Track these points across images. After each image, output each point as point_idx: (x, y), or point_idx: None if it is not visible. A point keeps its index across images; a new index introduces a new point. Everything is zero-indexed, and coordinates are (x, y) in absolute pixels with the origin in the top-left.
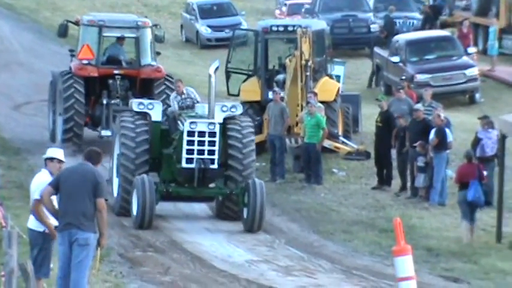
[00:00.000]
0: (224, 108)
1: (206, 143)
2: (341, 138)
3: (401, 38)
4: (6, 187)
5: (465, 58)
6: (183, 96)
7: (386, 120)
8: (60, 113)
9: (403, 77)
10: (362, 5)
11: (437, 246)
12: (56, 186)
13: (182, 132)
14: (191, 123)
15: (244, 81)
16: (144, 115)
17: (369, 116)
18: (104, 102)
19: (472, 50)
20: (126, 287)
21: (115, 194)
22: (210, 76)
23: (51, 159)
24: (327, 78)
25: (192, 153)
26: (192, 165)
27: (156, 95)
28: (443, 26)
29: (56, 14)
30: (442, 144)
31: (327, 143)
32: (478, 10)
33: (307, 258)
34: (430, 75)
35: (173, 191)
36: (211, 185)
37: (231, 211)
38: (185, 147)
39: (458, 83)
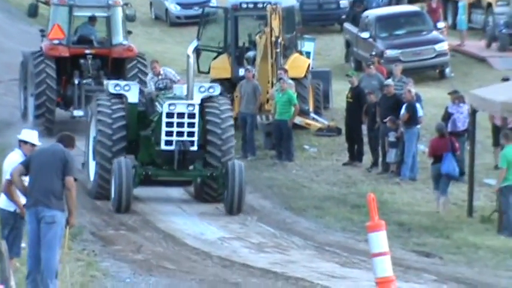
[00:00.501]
0: (202, 89)
1: (185, 125)
2: (312, 114)
3: (371, 13)
4: None
5: (435, 33)
6: (160, 77)
7: (356, 96)
8: (32, 93)
9: (373, 53)
10: None
11: (409, 221)
12: (27, 166)
13: (161, 114)
14: (170, 104)
15: (215, 58)
16: (120, 97)
17: (340, 92)
18: (76, 82)
19: (441, 24)
20: (98, 266)
21: (91, 178)
22: (188, 56)
23: (25, 142)
24: (297, 54)
25: (172, 135)
26: (172, 147)
27: (127, 74)
28: (413, 1)
29: None
30: (413, 119)
31: (298, 120)
32: None
33: (280, 235)
34: (400, 51)
35: (152, 174)
36: (191, 167)
37: (210, 193)
38: (164, 129)
39: (428, 58)
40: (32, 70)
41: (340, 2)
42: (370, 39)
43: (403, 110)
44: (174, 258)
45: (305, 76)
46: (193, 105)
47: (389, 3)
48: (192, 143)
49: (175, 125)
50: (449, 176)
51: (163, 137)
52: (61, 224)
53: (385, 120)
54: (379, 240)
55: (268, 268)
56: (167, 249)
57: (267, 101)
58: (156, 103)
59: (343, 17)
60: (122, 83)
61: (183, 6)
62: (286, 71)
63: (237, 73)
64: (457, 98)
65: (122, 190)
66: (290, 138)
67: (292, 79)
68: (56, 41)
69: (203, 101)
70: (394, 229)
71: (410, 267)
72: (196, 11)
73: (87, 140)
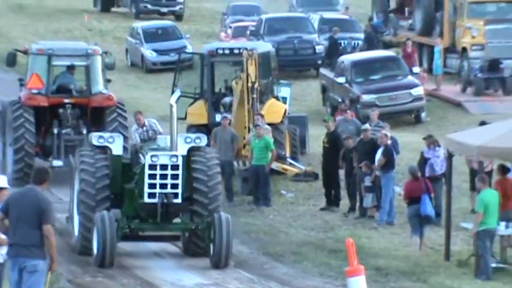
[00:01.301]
0: (188, 140)
1: (169, 177)
2: (289, 159)
3: (347, 58)
4: None
5: (410, 78)
6: (144, 128)
7: (333, 141)
8: (10, 143)
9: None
10: (307, 26)
11: (386, 265)
12: (6, 211)
13: (143, 166)
14: (152, 156)
15: (191, 104)
16: (104, 149)
17: (316, 137)
18: (55, 131)
19: (416, 69)
20: None
21: (76, 233)
22: (171, 106)
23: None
24: (273, 100)
25: (155, 188)
26: (155, 200)
27: (107, 123)
28: (388, 46)
29: None
30: (389, 163)
31: (275, 165)
32: (422, 30)
33: (257, 280)
34: (375, 96)
35: (135, 227)
36: (176, 220)
37: (198, 247)
38: (147, 181)
39: (404, 102)
40: (10, 119)
41: (316, 47)
42: (346, 84)
43: (379, 155)
44: None
45: (281, 121)
46: (176, 156)
47: (363, 48)
48: (175, 195)
49: (158, 177)
50: (427, 217)
51: (146, 190)
52: (43, 272)
53: (360, 165)
54: (358, 285)
55: None
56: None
57: (244, 146)
58: (140, 155)
59: (319, 62)
60: (106, 134)
61: (159, 52)
62: (262, 116)
63: (213, 119)
64: (432, 142)
65: (106, 245)
66: (267, 184)
67: (269, 124)
68: (35, 91)
69: (189, 151)
70: (372, 274)
71: None
72: (172, 57)
73: (71, 194)
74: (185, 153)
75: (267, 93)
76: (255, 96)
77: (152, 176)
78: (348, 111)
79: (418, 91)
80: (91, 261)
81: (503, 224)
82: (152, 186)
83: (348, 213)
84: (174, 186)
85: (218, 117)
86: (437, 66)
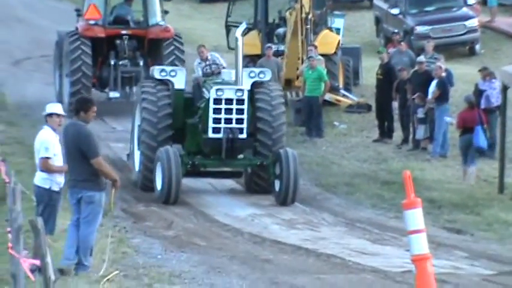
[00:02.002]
0: (252, 74)
1: (234, 111)
2: (342, 91)
3: None
4: (8, 143)
5: (465, 9)
6: (207, 62)
7: (387, 73)
8: (67, 74)
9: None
10: None
11: (439, 198)
12: None
13: (208, 100)
14: (217, 90)
15: (245, 34)
16: (166, 83)
17: (370, 68)
18: (112, 63)
19: (471, 1)
20: (129, 242)
21: (137, 169)
22: (236, 39)
23: (50, 114)
24: (327, 31)
25: (219, 122)
26: (220, 135)
27: (164, 56)
28: None
29: None
30: (444, 96)
31: (328, 96)
32: None
33: (310, 211)
34: (429, 27)
35: (199, 163)
36: (240, 156)
37: (262, 184)
38: (211, 115)
39: (458, 34)
40: (67, 50)
41: None
42: (400, 16)
43: (433, 87)
44: (205, 234)
45: (335, 52)
46: (242, 90)
47: None
48: (241, 130)
49: (223, 111)
50: (480, 149)
51: (211, 124)
52: (99, 202)
53: (413, 97)
54: (416, 217)
55: (299, 245)
56: (198, 225)
57: (297, 77)
58: (204, 89)
59: None
60: (168, 68)
61: None
62: (316, 47)
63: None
64: (488, 74)
65: (172, 181)
66: (320, 115)
67: (322, 55)
68: (92, 21)
69: (253, 86)
70: (425, 206)
71: (441, 244)
72: None
73: (132, 128)
74: (249, 87)
75: (320, 24)
76: (308, 26)
77: (217, 111)
78: (402, 42)
79: (473, 23)
80: (146, 192)
81: None
82: (217, 120)
83: (401, 145)
84: (240, 121)
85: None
86: None
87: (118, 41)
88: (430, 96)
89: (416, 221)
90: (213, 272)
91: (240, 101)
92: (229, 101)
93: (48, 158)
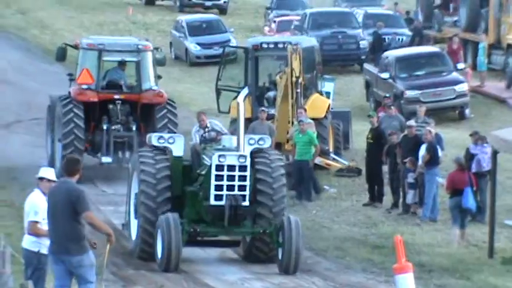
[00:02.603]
0: (251, 141)
1: (236, 178)
2: (332, 155)
3: (391, 54)
4: None
5: (455, 74)
6: (206, 129)
7: (377, 137)
8: (59, 138)
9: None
10: (351, 21)
11: (429, 262)
12: None
13: (210, 167)
14: (220, 156)
15: (235, 98)
16: (164, 150)
17: (360, 132)
18: (104, 127)
19: (461, 65)
20: None
21: (133, 237)
22: (238, 104)
23: (41, 178)
24: (317, 94)
25: (222, 189)
26: (222, 202)
27: (157, 120)
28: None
29: (44, 32)
30: (434, 160)
31: (318, 160)
32: (467, 26)
33: (300, 275)
34: (419, 91)
35: (201, 231)
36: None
37: (262, 252)
38: (213, 182)
39: (448, 98)
40: (59, 115)
41: (360, 42)
42: (390, 80)
43: (423, 151)
44: None
45: (325, 116)
46: (244, 156)
47: (411, 43)
48: (243, 197)
49: (225, 178)
50: (468, 211)
51: (213, 191)
52: (90, 262)
53: (405, 161)
54: (407, 282)
55: None
56: (164, 272)
57: (287, 141)
58: (204, 156)
59: (363, 57)
60: (166, 135)
61: (203, 46)
62: (305, 110)
63: (257, 113)
64: (480, 138)
65: (171, 248)
66: (311, 179)
67: (313, 119)
68: (85, 86)
69: (252, 154)
70: (415, 270)
71: None
72: (216, 50)
73: (128, 198)
74: (248, 154)
75: (310, 88)
76: (298, 90)
77: (219, 177)
78: (392, 107)
79: (463, 87)
80: (133, 253)
81: None
82: (219, 187)
83: (391, 209)
84: (242, 188)
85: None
86: (481, 63)
87: (111, 106)
88: (420, 160)
89: (407, 285)
90: None
91: (242, 168)
92: (231, 168)
93: (36, 222)
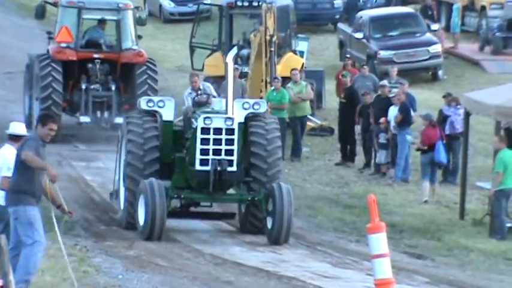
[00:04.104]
0: (246, 106)
1: (223, 142)
2: None
3: (365, 14)
4: None
5: (428, 35)
6: (199, 92)
7: (350, 96)
8: (37, 97)
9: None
10: None
11: (401, 222)
12: None
13: (195, 130)
14: (205, 118)
15: (209, 56)
16: (154, 115)
17: (333, 92)
18: (83, 87)
19: (435, 26)
20: (90, 261)
21: (122, 206)
22: (227, 64)
23: (18, 136)
24: (291, 53)
25: (207, 154)
26: (207, 168)
27: (137, 79)
28: (406, 2)
29: None
30: (406, 120)
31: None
32: None
33: None
34: (393, 52)
35: (185, 197)
36: (230, 191)
37: (255, 223)
38: (199, 146)
39: (422, 59)
40: (37, 73)
41: (334, 1)
42: (364, 40)
43: (394, 112)
44: (167, 255)
45: (291, 75)
46: (231, 119)
47: (387, 4)
48: (230, 162)
49: (211, 142)
50: (441, 164)
51: (198, 156)
52: (26, 217)
53: (379, 122)
54: (380, 242)
55: (260, 267)
56: (159, 246)
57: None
58: (193, 120)
59: (337, 16)
60: (156, 98)
61: (177, 3)
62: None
63: None
64: (453, 100)
65: (155, 216)
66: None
67: (286, 78)
68: (64, 44)
69: (247, 119)
70: (387, 231)
71: (402, 269)
72: (190, 8)
73: (117, 165)
74: (243, 120)
75: (284, 46)
76: (272, 49)
77: (205, 141)
78: (365, 66)
79: (436, 48)
80: (106, 210)
81: None
82: (205, 152)
83: (363, 169)
84: (229, 152)
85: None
86: (455, 24)
87: (90, 65)
88: (392, 121)
89: (380, 245)
90: None
91: (229, 131)
92: (218, 131)
93: (9, 177)
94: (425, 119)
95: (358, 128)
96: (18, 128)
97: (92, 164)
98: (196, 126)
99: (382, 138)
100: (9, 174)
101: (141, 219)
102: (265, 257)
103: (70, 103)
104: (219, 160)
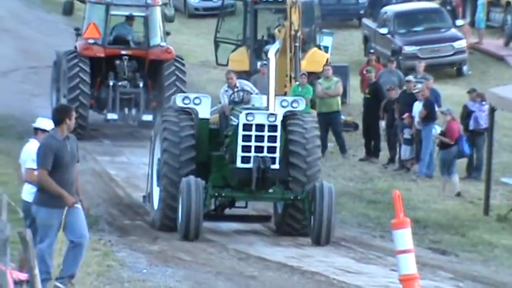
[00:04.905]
0: (284, 103)
1: (265, 139)
2: None
3: (390, 9)
4: None
5: (453, 30)
6: (235, 89)
7: (375, 92)
8: (65, 94)
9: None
10: None
11: (425, 218)
12: None
13: (237, 127)
14: (248, 114)
15: (233, 51)
16: (189, 112)
17: (357, 87)
18: (111, 83)
19: (460, 22)
20: (114, 256)
21: (155, 206)
22: (268, 59)
23: (37, 129)
24: (315, 49)
25: (249, 151)
26: (249, 165)
27: (165, 77)
28: None
29: None
30: (430, 116)
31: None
32: None
33: None
34: (418, 47)
35: (226, 195)
36: (270, 190)
37: (293, 225)
38: (240, 143)
39: (446, 55)
40: (65, 69)
41: None
42: (389, 35)
43: (418, 107)
44: (190, 250)
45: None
46: (274, 115)
47: None
48: (273, 160)
49: (253, 138)
50: (467, 156)
51: (240, 153)
52: (43, 218)
53: (402, 117)
54: (404, 237)
55: (284, 262)
56: (182, 241)
57: (285, 94)
58: (231, 116)
59: (362, 12)
60: (192, 95)
61: None
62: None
63: (255, 66)
64: (478, 95)
65: (191, 214)
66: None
67: (311, 73)
68: (91, 41)
69: (285, 117)
70: (411, 226)
71: (426, 265)
72: (215, 3)
73: (150, 164)
74: (281, 117)
75: (309, 42)
76: (297, 44)
77: (247, 138)
78: (393, 60)
79: (461, 44)
80: (130, 204)
81: None
82: (247, 149)
83: (387, 165)
84: (272, 149)
85: (259, 65)
86: (479, 20)
87: (117, 62)
88: (416, 116)
89: (405, 241)
90: (198, 287)
91: (272, 127)
92: (260, 127)
93: (33, 169)
94: (447, 114)
95: (382, 124)
96: (44, 123)
97: (116, 159)
98: (238, 123)
99: (407, 134)
100: (33, 166)
101: (179, 217)
102: (289, 252)
103: (97, 100)
104: (261, 157)
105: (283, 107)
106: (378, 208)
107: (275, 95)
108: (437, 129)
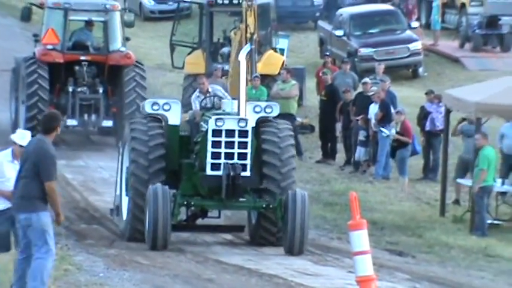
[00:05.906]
0: (257, 109)
1: (236, 145)
2: None
3: (345, 11)
4: None
5: (408, 32)
6: (208, 95)
7: (331, 94)
8: (23, 100)
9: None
10: None
11: (381, 219)
12: None
13: (206, 133)
14: (217, 119)
15: (189, 54)
16: (159, 119)
17: (313, 89)
18: (70, 89)
19: (415, 24)
20: (72, 260)
21: (124, 217)
22: (239, 63)
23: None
24: (271, 51)
25: (219, 158)
26: (219, 172)
27: (125, 83)
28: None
29: None
30: (387, 118)
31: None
32: None
33: None
34: (373, 49)
35: (196, 204)
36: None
37: (268, 232)
38: (210, 149)
39: (402, 57)
40: (23, 76)
41: None
42: (344, 37)
43: (374, 109)
44: (147, 253)
45: (279, 73)
46: (245, 120)
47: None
48: (244, 167)
49: (223, 144)
50: (417, 153)
51: (209, 160)
52: (39, 223)
53: (357, 118)
54: (361, 239)
55: (241, 265)
56: (140, 244)
57: None
58: (202, 123)
59: (317, 14)
60: (161, 101)
61: (157, 0)
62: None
63: (211, 69)
64: (436, 97)
65: (158, 222)
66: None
67: (266, 76)
68: (50, 46)
69: (258, 124)
70: (367, 228)
71: (383, 266)
72: (170, 6)
73: (117, 178)
74: (254, 124)
75: (265, 44)
76: (253, 47)
77: (216, 144)
78: (346, 61)
79: (416, 46)
80: (86, 208)
81: (499, 180)
82: (216, 155)
83: (343, 167)
84: (242, 156)
85: (215, 68)
86: (435, 21)
87: (77, 67)
88: (372, 118)
89: (361, 242)
90: None
91: (242, 133)
92: (230, 133)
93: None
94: (402, 113)
95: (339, 126)
96: (19, 138)
97: (73, 163)
98: (207, 129)
99: (361, 136)
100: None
101: (146, 226)
102: (247, 255)
103: (57, 106)
104: (231, 164)
105: (256, 112)
106: (335, 210)
107: (232, 99)
108: (389, 132)
